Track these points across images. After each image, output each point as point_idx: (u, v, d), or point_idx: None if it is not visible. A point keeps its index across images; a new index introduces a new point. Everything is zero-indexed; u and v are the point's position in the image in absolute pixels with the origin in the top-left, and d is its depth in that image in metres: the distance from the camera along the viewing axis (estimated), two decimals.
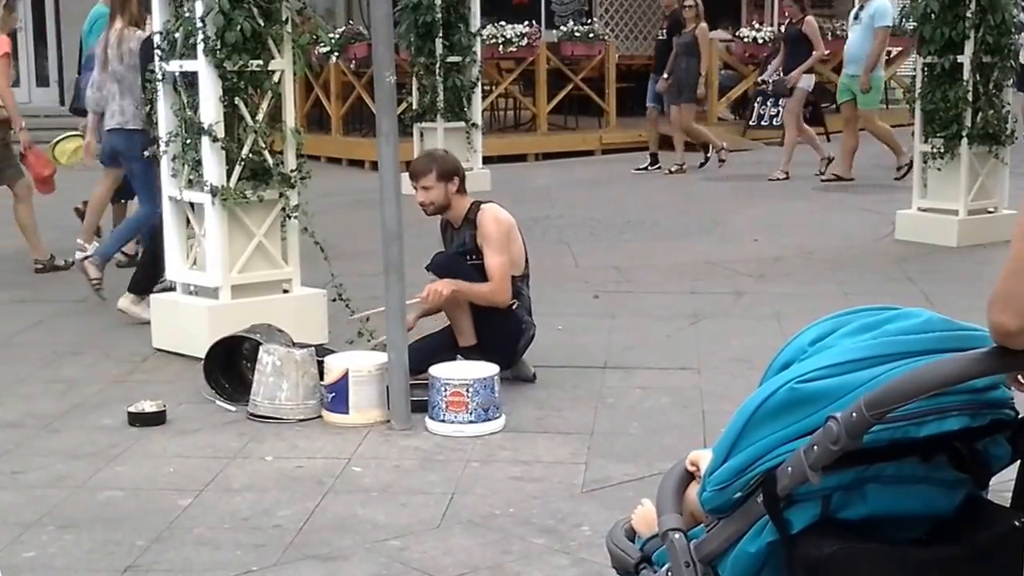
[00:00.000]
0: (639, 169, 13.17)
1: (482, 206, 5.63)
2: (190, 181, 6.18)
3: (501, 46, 14.85)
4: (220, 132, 5.98)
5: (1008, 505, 2.13)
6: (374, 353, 5.41)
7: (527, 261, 5.70)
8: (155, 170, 6.64)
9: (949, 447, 2.05)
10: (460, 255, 5.62)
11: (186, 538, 4.03)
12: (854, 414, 1.87)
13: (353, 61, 14.92)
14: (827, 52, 14.06)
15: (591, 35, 15.59)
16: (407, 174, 5.75)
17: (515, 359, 5.60)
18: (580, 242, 9.29)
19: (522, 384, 5.63)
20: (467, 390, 4.99)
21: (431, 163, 5.61)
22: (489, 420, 5.04)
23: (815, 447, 1.91)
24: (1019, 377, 1.97)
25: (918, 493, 2.05)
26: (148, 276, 6.90)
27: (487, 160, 12.32)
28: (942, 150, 8.89)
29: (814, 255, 8.72)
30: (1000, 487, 2.18)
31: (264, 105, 6.11)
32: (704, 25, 12.65)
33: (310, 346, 5.38)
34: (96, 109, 7.90)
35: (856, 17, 11.85)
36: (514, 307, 5.57)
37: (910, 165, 11.08)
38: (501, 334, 5.53)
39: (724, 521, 2.10)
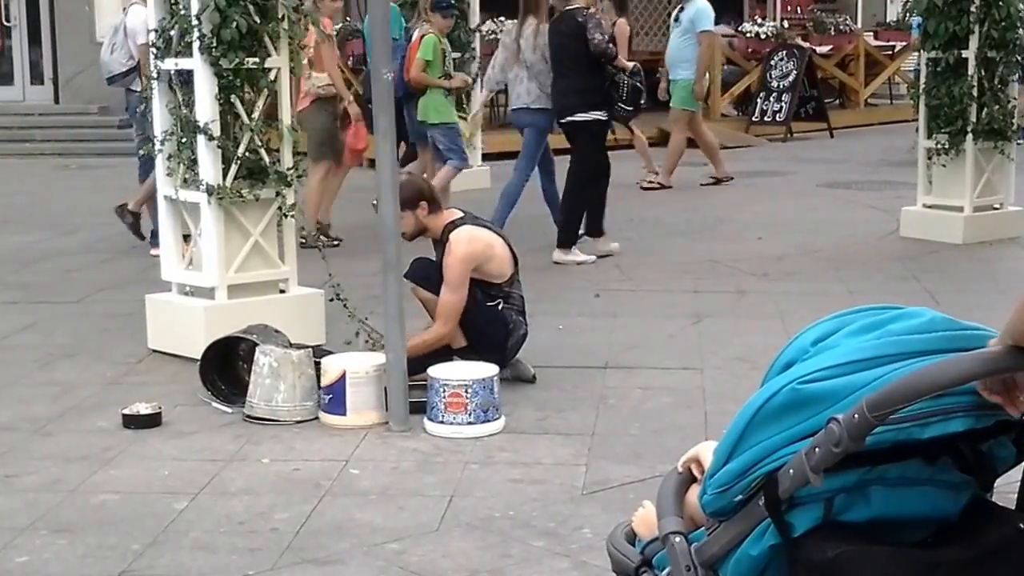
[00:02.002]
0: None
1: (452, 234, 5.48)
2: (185, 180, 6.13)
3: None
4: (216, 130, 5.94)
5: (1013, 507, 2.10)
6: (372, 354, 5.36)
7: (516, 264, 5.62)
8: (545, 143, 8.81)
9: (953, 449, 2.02)
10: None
11: (182, 542, 4.00)
12: (856, 415, 1.84)
13: (351, 58, 14.88)
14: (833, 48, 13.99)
15: None
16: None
17: (506, 359, 5.54)
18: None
19: (522, 385, 5.59)
20: (466, 391, 4.95)
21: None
22: (488, 421, 4.99)
23: (817, 449, 1.88)
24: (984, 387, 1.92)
25: (922, 495, 2.02)
26: (571, 229, 8.43)
27: (487, 157, 12.28)
28: (947, 146, 8.84)
29: (818, 253, 8.69)
30: (1005, 488, 2.14)
31: (260, 103, 6.07)
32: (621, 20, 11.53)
33: (307, 347, 5.34)
34: (494, 88, 9.67)
35: (676, 20, 11.52)
36: (499, 307, 5.52)
37: (657, 183, 11.36)
38: (488, 335, 5.48)
39: (725, 524, 2.07)
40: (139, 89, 8.30)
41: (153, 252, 7.97)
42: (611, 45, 8.39)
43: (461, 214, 5.67)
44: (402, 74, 9.22)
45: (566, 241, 8.44)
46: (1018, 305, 1.78)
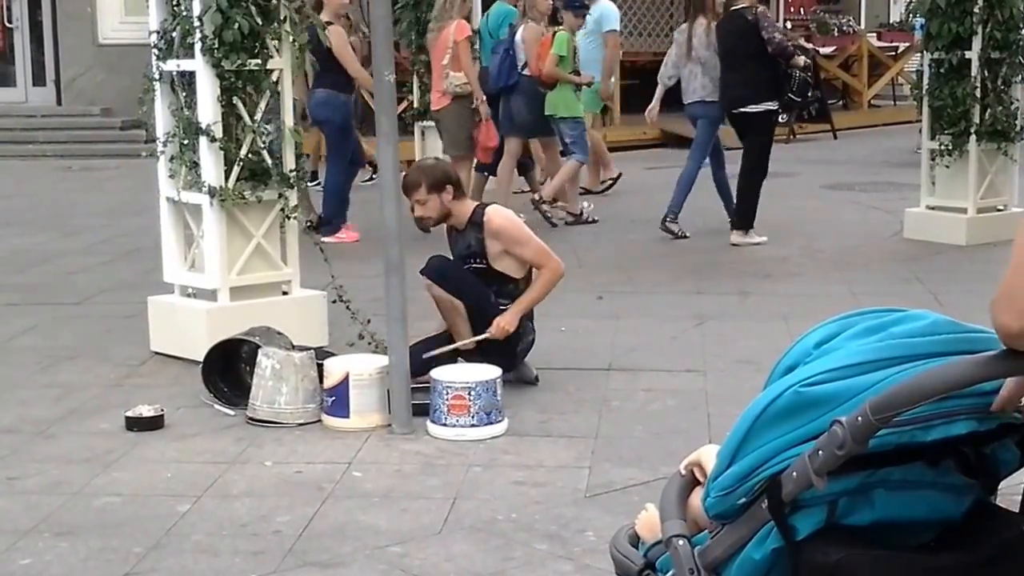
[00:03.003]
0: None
1: (487, 208, 5.57)
2: (188, 182, 6.12)
3: None
4: (218, 132, 5.94)
5: (1017, 510, 2.09)
6: (375, 356, 5.35)
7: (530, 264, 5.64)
8: (716, 133, 9.48)
9: (956, 452, 2.02)
10: (465, 258, 5.56)
11: (184, 545, 3.99)
12: (860, 418, 1.83)
13: None
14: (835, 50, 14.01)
15: None
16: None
17: (514, 364, 5.54)
18: (583, 242, 9.24)
19: (525, 387, 5.58)
20: (469, 393, 4.94)
21: (420, 176, 5.53)
22: (491, 424, 4.99)
23: (820, 452, 1.88)
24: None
25: (925, 498, 2.01)
26: (748, 212, 9.10)
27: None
28: (950, 147, 8.83)
29: (821, 254, 8.68)
30: (1009, 491, 2.14)
31: (262, 105, 6.06)
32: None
33: (310, 349, 5.33)
34: (667, 83, 9.86)
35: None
36: None
37: (601, 187, 11.42)
38: (498, 339, 5.46)
39: (728, 527, 2.06)
40: None
41: (326, 240, 8.22)
42: (790, 44, 9.16)
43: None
44: (504, 68, 9.86)
45: (743, 224, 9.10)
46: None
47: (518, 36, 10.01)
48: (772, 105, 9.01)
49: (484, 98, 9.54)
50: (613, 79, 11.77)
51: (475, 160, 9.93)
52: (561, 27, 9.93)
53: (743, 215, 9.15)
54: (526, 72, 9.91)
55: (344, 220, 9.47)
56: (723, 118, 9.41)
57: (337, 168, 9.59)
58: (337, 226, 9.36)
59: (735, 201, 9.29)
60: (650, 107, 10.07)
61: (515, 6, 10.65)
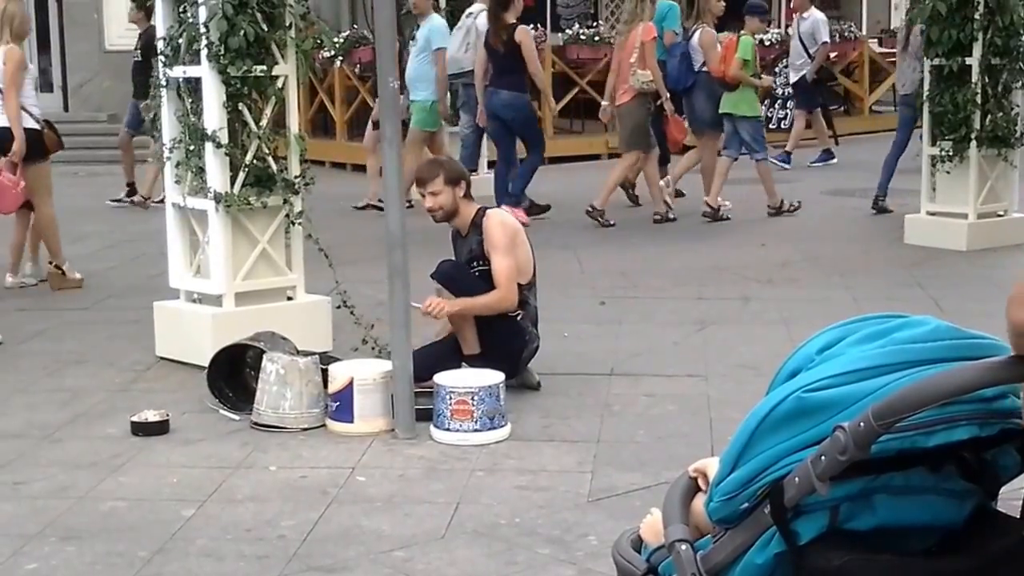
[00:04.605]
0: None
1: (488, 211, 5.61)
2: (194, 187, 6.15)
3: None
4: (224, 138, 5.96)
5: (1018, 516, 2.09)
6: (379, 361, 5.37)
7: (534, 269, 5.66)
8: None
9: (958, 457, 2.02)
10: (467, 262, 5.59)
11: (189, 549, 4.01)
12: (862, 424, 1.84)
13: (358, 65, 14.89)
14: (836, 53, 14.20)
15: (597, 38, 15.52)
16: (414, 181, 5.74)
17: (518, 369, 5.56)
18: (586, 247, 9.25)
19: (527, 392, 5.60)
20: (472, 398, 4.96)
21: (438, 168, 5.61)
22: (494, 429, 5.00)
23: (823, 457, 1.89)
24: None
25: (926, 504, 2.02)
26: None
27: (492, 165, 12.27)
28: (951, 153, 8.84)
29: (822, 260, 8.69)
30: (1010, 496, 2.14)
31: (268, 111, 6.09)
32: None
33: (314, 354, 5.35)
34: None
35: (412, 38, 11.00)
36: (519, 317, 5.54)
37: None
38: (505, 344, 5.50)
39: (731, 532, 2.07)
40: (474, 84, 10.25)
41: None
42: None
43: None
44: (682, 70, 10.59)
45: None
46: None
47: (694, 39, 10.70)
48: None
49: (668, 95, 10.21)
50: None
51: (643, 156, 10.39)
52: (743, 31, 10.53)
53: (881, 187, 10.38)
54: (703, 71, 10.61)
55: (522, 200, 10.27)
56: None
57: (538, 154, 10.43)
58: (518, 203, 10.10)
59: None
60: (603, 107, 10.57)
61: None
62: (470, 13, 10.89)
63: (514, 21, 10.05)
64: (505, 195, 10.17)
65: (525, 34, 10.11)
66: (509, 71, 10.01)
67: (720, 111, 10.55)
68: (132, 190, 11.99)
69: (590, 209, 10.11)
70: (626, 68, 10.13)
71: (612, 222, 10.08)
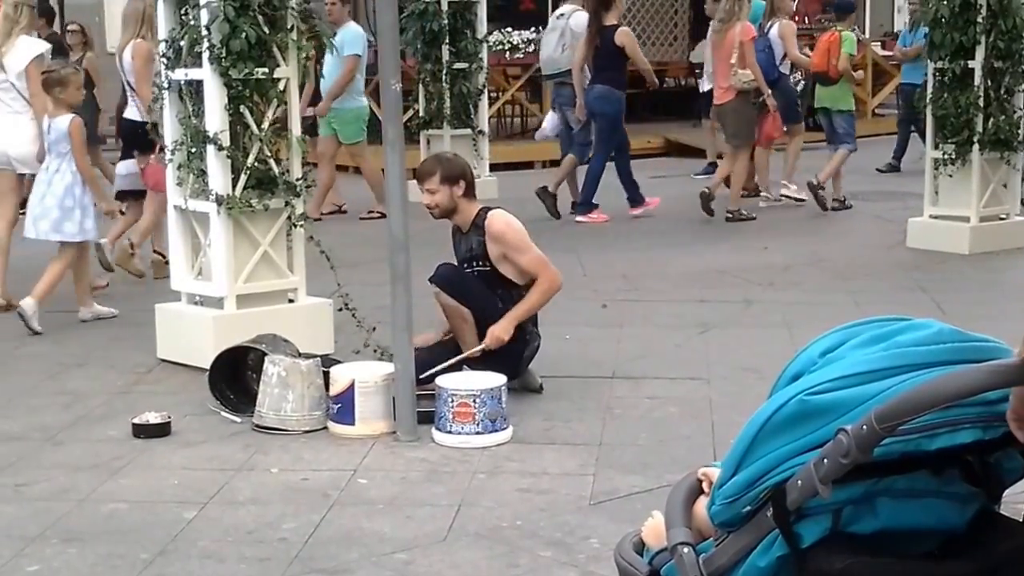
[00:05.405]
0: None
1: (490, 212, 5.60)
2: (195, 190, 6.15)
3: (508, 52, 14.72)
4: (226, 141, 5.96)
5: (1021, 519, 2.10)
6: (380, 364, 5.37)
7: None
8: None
9: (961, 460, 2.02)
10: (467, 260, 5.58)
11: (190, 551, 4.00)
12: (865, 427, 1.84)
13: None
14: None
15: None
16: (415, 181, 5.72)
17: (520, 370, 5.56)
18: (588, 250, 9.25)
19: (529, 395, 5.59)
20: (474, 401, 4.95)
21: (436, 165, 5.60)
22: (496, 431, 5.00)
23: (825, 460, 1.88)
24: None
25: (929, 507, 2.02)
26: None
27: (494, 167, 12.29)
28: (953, 156, 8.84)
29: (824, 263, 8.68)
30: (1013, 500, 2.15)
31: (269, 113, 6.09)
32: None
33: (316, 356, 5.35)
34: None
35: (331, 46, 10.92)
36: None
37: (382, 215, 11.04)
38: (506, 345, 5.48)
39: (733, 535, 2.07)
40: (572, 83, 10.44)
41: (580, 219, 10.33)
42: None
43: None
44: (770, 62, 10.73)
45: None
46: None
47: (773, 32, 11.03)
48: None
49: (770, 92, 10.38)
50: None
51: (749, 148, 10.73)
52: (840, 27, 11.02)
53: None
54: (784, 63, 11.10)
55: (595, 204, 10.49)
56: None
57: (602, 157, 10.50)
58: (590, 208, 10.45)
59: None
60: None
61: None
62: (561, 14, 11.06)
63: (615, 22, 10.31)
64: (579, 207, 10.55)
65: (627, 35, 10.40)
66: (606, 68, 10.29)
67: (816, 105, 11.13)
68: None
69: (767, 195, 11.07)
70: (725, 67, 10.31)
71: (754, 215, 10.49)
